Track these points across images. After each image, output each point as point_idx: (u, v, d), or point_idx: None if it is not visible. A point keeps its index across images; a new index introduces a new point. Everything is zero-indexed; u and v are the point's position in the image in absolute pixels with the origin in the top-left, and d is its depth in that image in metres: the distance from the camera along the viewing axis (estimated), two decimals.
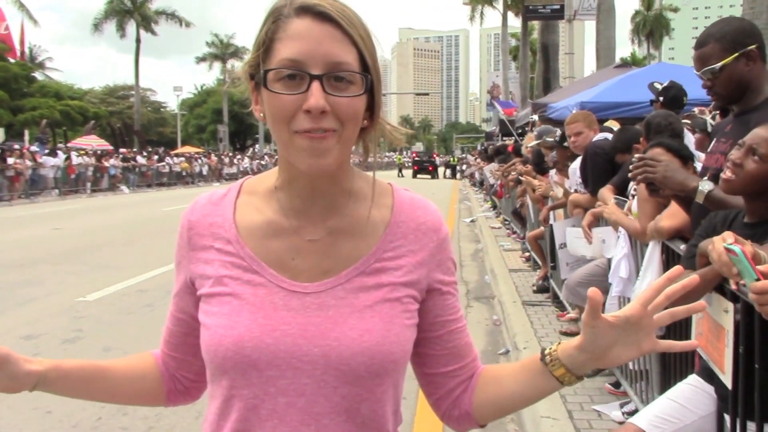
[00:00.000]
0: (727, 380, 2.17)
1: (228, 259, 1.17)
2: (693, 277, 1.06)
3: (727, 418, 2.33)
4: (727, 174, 2.38)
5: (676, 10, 74.18)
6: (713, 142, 2.92)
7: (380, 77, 1.13)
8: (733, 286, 2.09)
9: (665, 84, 5.14)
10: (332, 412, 1.12)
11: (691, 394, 2.51)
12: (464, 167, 35.75)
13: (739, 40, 2.75)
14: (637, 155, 3.20)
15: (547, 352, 1.16)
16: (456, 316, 1.25)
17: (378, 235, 1.18)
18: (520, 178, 8.29)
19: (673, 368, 3.39)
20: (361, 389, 1.12)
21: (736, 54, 2.73)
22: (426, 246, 1.20)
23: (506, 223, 14.41)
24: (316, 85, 1.04)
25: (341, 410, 1.12)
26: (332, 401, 1.11)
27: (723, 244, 1.94)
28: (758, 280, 1.80)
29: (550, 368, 1.15)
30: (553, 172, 7.25)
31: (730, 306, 2.13)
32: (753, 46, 2.74)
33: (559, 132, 6.59)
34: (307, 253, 1.16)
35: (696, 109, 7.07)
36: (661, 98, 5.08)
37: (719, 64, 2.74)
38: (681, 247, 3.01)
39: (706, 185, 2.67)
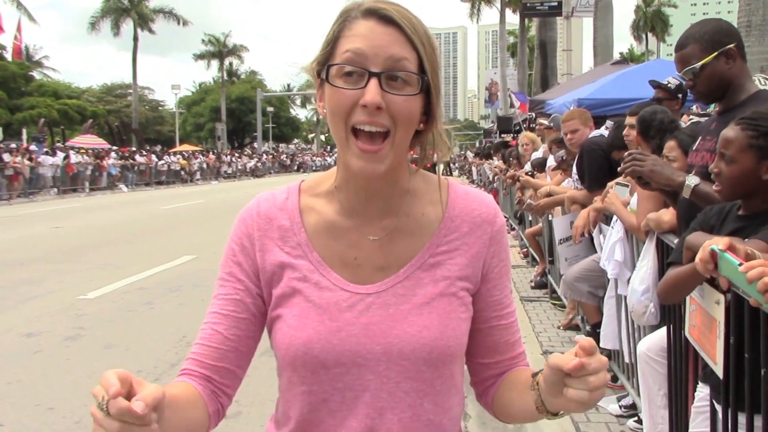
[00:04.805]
0: (719, 371, 2.21)
1: (297, 262, 1.20)
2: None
3: (718, 408, 2.38)
4: (716, 186, 2.43)
5: (675, 6, 74.08)
6: (699, 140, 2.97)
7: (439, 84, 1.16)
8: (724, 286, 2.11)
9: (677, 80, 5.04)
10: (396, 407, 1.16)
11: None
12: (460, 164, 35.67)
13: (717, 39, 2.81)
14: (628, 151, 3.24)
15: (538, 371, 1.14)
16: (502, 312, 1.27)
17: (432, 231, 1.21)
18: (519, 180, 8.29)
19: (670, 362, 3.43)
20: (422, 383, 1.16)
21: (716, 53, 2.79)
22: (480, 239, 1.23)
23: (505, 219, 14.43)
24: (373, 82, 1.08)
25: (405, 406, 1.16)
26: (395, 396, 1.16)
27: (709, 247, 1.95)
28: (740, 264, 1.80)
29: (532, 387, 1.13)
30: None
31: (722, 298, 2.17)
32: (731, 45, 2.80)
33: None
34: (368, 251, 1.20)
35: (695, 107, 7.08)
36: (680, 95, 5.06)
37: (699, 64, 2.81)
38: (674, 241, 3.06)
39: (692, 180, 2.72)
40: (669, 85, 5.03)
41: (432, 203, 1.23)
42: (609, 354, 4.86)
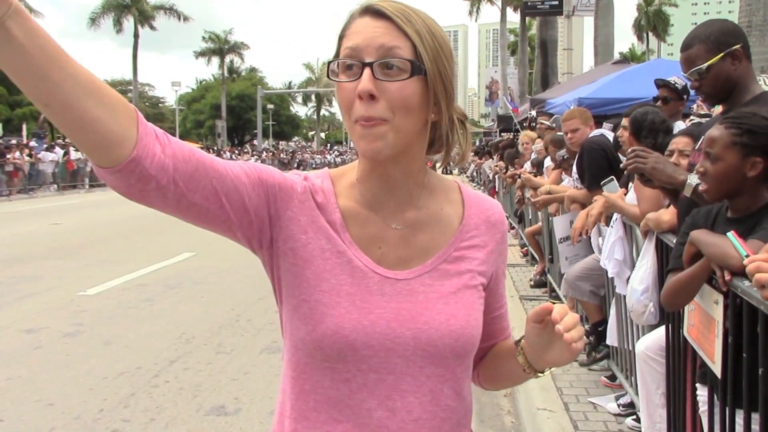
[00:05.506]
0: (717, 370, 2.22)
1: (329, 242, 1.21)
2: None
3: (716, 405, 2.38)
4: (703, 186, 2.44)
5: (676, 5, 74.04)
6: (701, 140, 2.98)
7: (445, 71, 1.18)
8: (723, 286, 2.14)
9: (682, 81, 4.99)
10: (417, 391, 1.20)
11: None
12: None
13: (723, 40, 2.81)
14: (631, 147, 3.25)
15: (520, 337, 1.28)
16: (501, 302, 1.39)
17: (453, 227, 1.28)
18: (520, 178, 8.30)
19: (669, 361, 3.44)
20: (444, 370, 1.22)
21: (722, 54, 2.79)
22: (494, 238, 1.32)
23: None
24: (366, 71, 1.13)
25: (426, 390, 1.21)
26: (418, 380, 1.20)
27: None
28: (747, 256, 1.90)
29: (517, 353, 1.28)
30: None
31: (720, 298, 2.18)
32: (737, 46, 2.81)
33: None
34: (391, 242, 1.24)
35: (695, 105, 7.08)
36: (685, 96, 5.02)
37: (705, 65, 2.81)
38: (674, 241, 3.07)
39: (694, 179, 2.73)
40: (675, 84, 5.02)
41: (448, 201, 1.30)
42: (609, 353, 4.88)
